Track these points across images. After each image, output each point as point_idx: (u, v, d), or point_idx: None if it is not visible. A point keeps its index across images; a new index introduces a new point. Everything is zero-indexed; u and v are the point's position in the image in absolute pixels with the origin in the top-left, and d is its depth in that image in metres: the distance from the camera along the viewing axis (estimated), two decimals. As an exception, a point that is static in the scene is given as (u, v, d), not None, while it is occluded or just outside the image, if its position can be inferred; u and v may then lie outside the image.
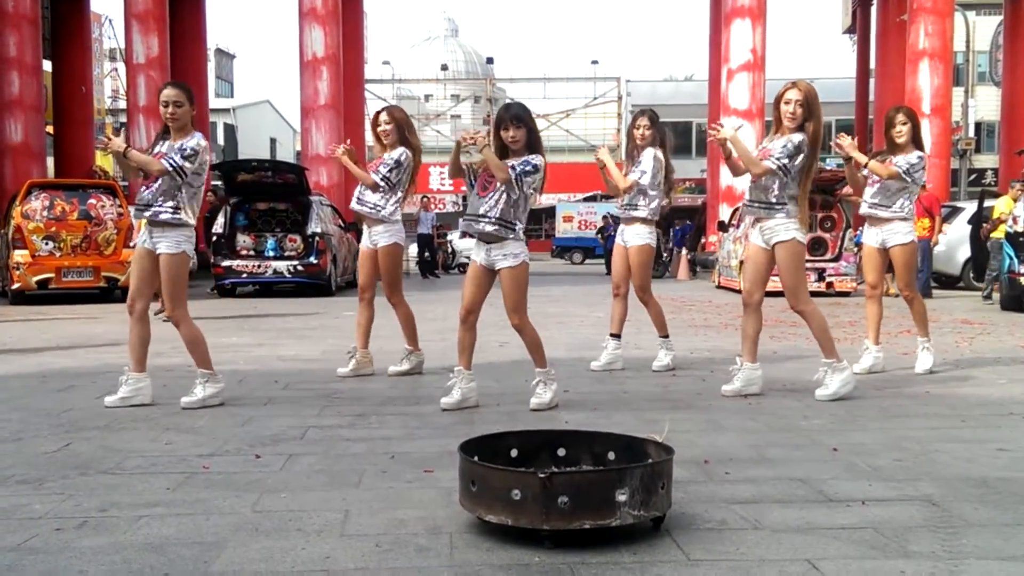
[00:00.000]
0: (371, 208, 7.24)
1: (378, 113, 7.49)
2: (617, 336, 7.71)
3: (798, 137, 6.08)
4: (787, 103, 6.10)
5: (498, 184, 5.76)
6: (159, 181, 5.99)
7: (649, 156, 7.39)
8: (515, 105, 6.00)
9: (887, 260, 7.44)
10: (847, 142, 7.09)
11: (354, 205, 7.38)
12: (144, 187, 6.07)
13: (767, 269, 6.41)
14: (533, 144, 5.86)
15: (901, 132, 7.23)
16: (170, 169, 5.93)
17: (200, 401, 6.02)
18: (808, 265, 16.22)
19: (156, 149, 6.09)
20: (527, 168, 5.76)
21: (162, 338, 9.46)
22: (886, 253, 7.40)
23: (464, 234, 47.45)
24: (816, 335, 6.32)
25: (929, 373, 7.27)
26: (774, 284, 6.43)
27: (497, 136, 5.89)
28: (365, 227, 7.43)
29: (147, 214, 6.03)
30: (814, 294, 15.71)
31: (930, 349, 7.45)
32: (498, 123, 5.89)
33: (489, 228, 5.79)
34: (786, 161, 6.07)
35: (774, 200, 6.20)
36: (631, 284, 7.62)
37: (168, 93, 6.09)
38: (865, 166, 7.23)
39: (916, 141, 7.27)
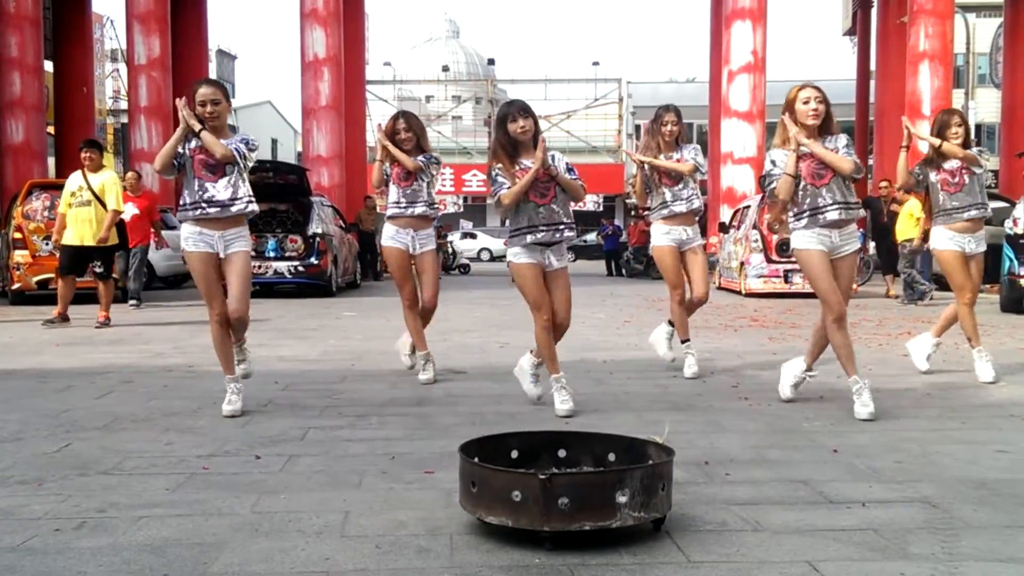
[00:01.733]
0: (434, 207, 7.23)
1: (395, 120, 7.26)
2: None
3: (846, 137, 5.92)
4: (806, 102, 5.81)
5: (557, 190, 5.83)
6: (228, 177, 5.74)
7: (693, 149, 7.26)
8: (516, 100, 6.03)
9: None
10: (915, 128, 7.05)
11: (422, 210, 7.18)
12: (206, 183, 5.73)
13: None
14: (537, 139, 5.88)
15: (958, 134, 7.01)
16: (236, 155, 5.71)
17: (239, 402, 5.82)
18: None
19: (191, 144, 5.79)
20: (575, 172, 5.94)
21: (168, 338, 9.47)
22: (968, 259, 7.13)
23: (465, 235, 47.51)
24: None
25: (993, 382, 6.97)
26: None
27: (504, 132, 5.85)
28: (410, 231, 7.20)
29: (235, 209, 5.75)
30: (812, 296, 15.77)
31: (984, 356, 7.16)
32: (504, 118, 5.85)
33: (570, 233, 5.91)
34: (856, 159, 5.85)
35: (854, 201, 5.91)
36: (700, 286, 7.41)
37: (205, 92, 5.77)
38: (938, 148, 6.98)
39: (966, 145, 7.06)
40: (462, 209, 53.12)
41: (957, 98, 30.22)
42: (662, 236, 7.33)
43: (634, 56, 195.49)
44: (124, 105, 36.47)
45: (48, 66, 27.68)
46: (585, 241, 47.23)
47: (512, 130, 5.80)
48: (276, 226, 18.02)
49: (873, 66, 34.15)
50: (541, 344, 5.92)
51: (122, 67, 36.84)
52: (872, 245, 18.13)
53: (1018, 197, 14.81)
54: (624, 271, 27.17)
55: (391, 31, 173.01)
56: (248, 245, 5.88)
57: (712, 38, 30.97)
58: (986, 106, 42.65)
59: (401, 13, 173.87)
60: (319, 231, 17.29)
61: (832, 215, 5.78)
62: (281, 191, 17.98)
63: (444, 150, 50.30)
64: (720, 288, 19.28)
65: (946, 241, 7.11)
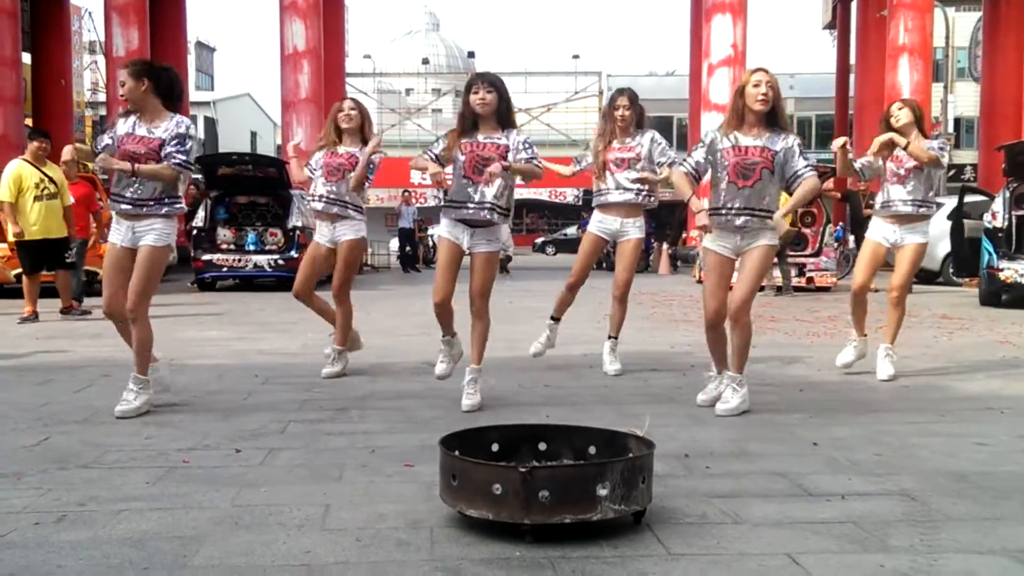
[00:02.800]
0: (354, 208, 7.04)
1: (343, 100, 7.21)
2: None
3: (794, 138, 5.57)
4: (756, 85, 5.45)
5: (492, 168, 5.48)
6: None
7: (658, 142, 7.03)
8: (490, 73, 5.74)
9: (884, 260, 7.06)
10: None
11: (323, 207, 7.06)
12: (126, 177, 5.54)
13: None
14: (505, 115, 5.62)
15: (898, 118, 6.84)
16: (182, 169, 5.53)
17: (136, 410, 5.51)
18: (789, 260, 16.29)
19: (118, 131, 5.62)
20: (531, 150, 5.61)
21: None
22: (887, 251, 7.00)
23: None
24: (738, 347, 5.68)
25: (889, 380, 6.82)
26: (732, 283, 5.83)
27: (465, 101, 5.60)
28: (325, 224, 7.18)
29: (146, 210, 5.55)
30: (795, 289, 15.83)
31: (892, 356, 6.98)
32: (468, 85, 5.62)
33: (491, 215, 5.62)
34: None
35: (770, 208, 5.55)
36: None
37: (119, 73, 5.62)
38: (905, 148, 6.75)
39: (920, 130, 6.91)
40: (442, 203, 53.03)
41: (936, 92, 30.37)
42: (593, 223, 7.25)
43: (614, 49, 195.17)
44: (102, 97, 36.29)
45: (26, 58, 27.48)
46: (565, 234, 47.26)
47: (471, 100, 5.55)
48: (256, 219, 17.99)
49: (853, 60, 34.27)
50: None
51: (100, 59, 36.61)
52: (852, 239, 18.22)
53: (997, 191, 14.89)
54: (604, 264, 27.19)
55: (371, 24, 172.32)
56: (157, 239, 5.58)
57: (692, 31, 31.04)
58: (965, 100, 42.86)
59: (381, 5, 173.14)
60: (299, 224, 17.24)
61: (738, 220, 5.50)
62: (261, 184, 17.94)
63: (424, 143, 50.14)
64: (699, 281, 19.31)
65: (872, 230, 7.09)
